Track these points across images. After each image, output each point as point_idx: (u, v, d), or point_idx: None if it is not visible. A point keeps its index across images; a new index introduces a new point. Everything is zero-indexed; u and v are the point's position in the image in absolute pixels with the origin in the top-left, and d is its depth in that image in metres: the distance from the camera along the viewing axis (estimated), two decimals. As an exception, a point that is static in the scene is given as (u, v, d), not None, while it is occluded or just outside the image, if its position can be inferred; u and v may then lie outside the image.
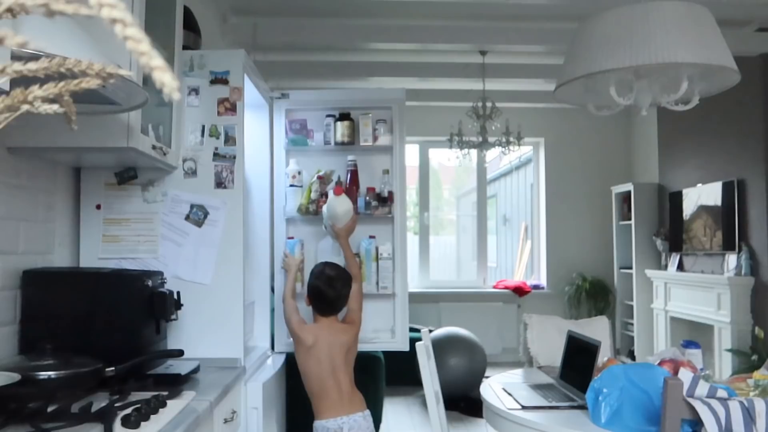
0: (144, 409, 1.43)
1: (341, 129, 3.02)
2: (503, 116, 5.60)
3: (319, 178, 2.97)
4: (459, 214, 10.08)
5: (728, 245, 5.04)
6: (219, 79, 2.30)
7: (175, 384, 1.80)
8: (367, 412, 2.55)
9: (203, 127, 2.29)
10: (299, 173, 3.00)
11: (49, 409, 1.39)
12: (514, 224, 8.77)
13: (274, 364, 2.74)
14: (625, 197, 6.59)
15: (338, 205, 2.71)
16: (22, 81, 0.50)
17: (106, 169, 2.21)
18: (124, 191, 2.23)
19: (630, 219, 6.41)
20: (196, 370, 1.98)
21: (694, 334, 5.31)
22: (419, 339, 2.45)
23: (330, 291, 2.52)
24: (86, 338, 1.81)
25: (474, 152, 5.92)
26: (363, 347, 2.91)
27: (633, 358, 6.14)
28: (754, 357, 4.43)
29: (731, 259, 5.05)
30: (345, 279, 2.58)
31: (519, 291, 6.97)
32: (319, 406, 2.48)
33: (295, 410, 3.00)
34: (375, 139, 3.04)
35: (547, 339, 2.96)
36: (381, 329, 3.01)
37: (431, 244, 7.31)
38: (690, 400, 1.62)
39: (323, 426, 2.45)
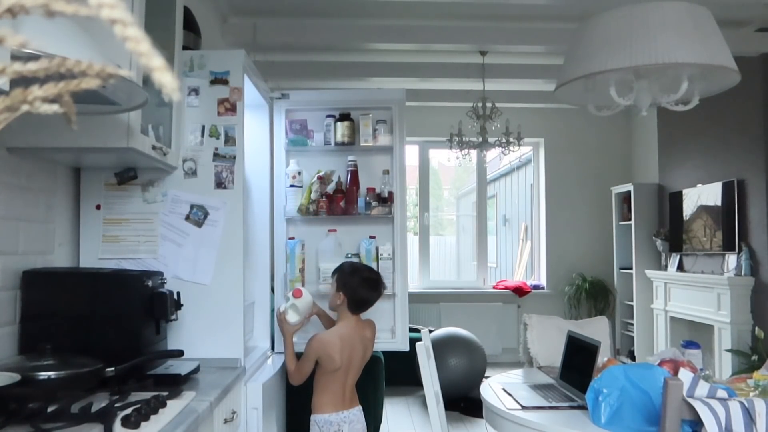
0: (144, 410, 1.43)
1: (341, 129, 3.02)
2: (503, 116, 5.60)
3: (320, 178, 2.97)
4: (459, 215, 10.10)
5: (728, 245, 5.04)
6: (219, 80, 2.30)
7: (175, 384, 1.80)
8: (360, 407, 2.60)
9: (203, 127, 2.28)
10: (299, 173, 3.01)
11: (49, 409, 1.38)
12: (513, 224, 8.77)
13: (274, 364, 2.74)
14: (625, 197, 6.59)
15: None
16: (22, 81, 0.50)
17: (106, 169, 2.21)
18: (124, 191, 2.23)
19: (630, 219, 6.41)
20: (196, 371, 1.98)
21: (694, 335, 5.31)
22: (419, 339, 2.45)
23: (375, 295, 2.57)
24: (86, 338, 1.81)
25: (474, 152, 5.92)
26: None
27: (633, 358, 6.14)
28: (754, 357, 4.43)
29: (731, 259, 5.05)
30: (381, 281, 2.64)
31: (519, 291, 6.97)
32: (322, 400, 2.48)
33: (294, 410, 3.00)
34: (375, 139, 3.04)
35: (547, 339, 2.96)
36: (381, 329, 3.01)
37: (431, 245, 7.31)
38: (690, 400, 1.62)
39: (326, 420, 2.45)
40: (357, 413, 2.53)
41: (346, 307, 2.53)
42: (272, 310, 2.99)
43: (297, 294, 2.54)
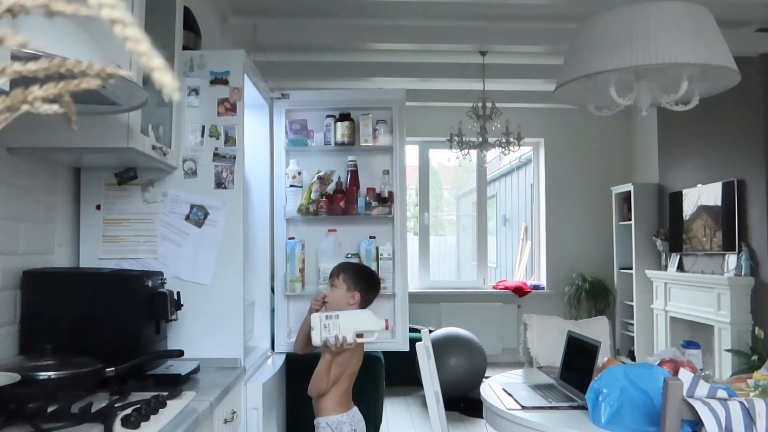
0: (144, 410, 1.42)
1: (341, 129, 3.02)
2: (503, 116, 5.60)
3: (319, 178, 2.97)
4: (459, 215, 10.09)
5: (728, 245, 5.04)
6: (219, 80, 2.30)
7: (175, 384, 1.80)
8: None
9: (203, 127, 2.28)
10: (299, 173, 3.00)
11: (49, 410, 1.38)
12: (514, 224, 8.77)
13: (274, 364, 2.74)
14: (625, 197, 6.59)
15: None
16: (22, 81, 0.50)
17: (106, 169, 2.21)
18: (124, 191, 2.23)
19: (630, 219, 6.41)
20: (196, 371, 1.98)
21: (694, 335, 5.31)
22: (419, 339, 2.45)
23: (377, 294, 2.54)
24: (86, 338, 1.81)
25: (474, 152, 5.92)
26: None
27: (633, 358, 6.14)
28: (754, 357, 4.43)
29: (731, 259, 5.05)
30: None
31: (519, 291, 6.97)
32: (332, 402, 2.40)
33: (295, 410, 3.00)
34: (375, 139, 3.04)
35: (547, 339, 2.96)
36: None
37: (431, 245, 7.31)
38: (690, 400, 1.62)
39: (339, 420, 2.40)
40: (359, 412, 2.52)
41: (357, 307, 2.52)
42: (272, 310, 2.99)
43: (388, 327, 2.36)
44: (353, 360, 2.42)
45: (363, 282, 2.48)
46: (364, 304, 2.49)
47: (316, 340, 2.29)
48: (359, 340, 2.29)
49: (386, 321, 2.33)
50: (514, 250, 8.23)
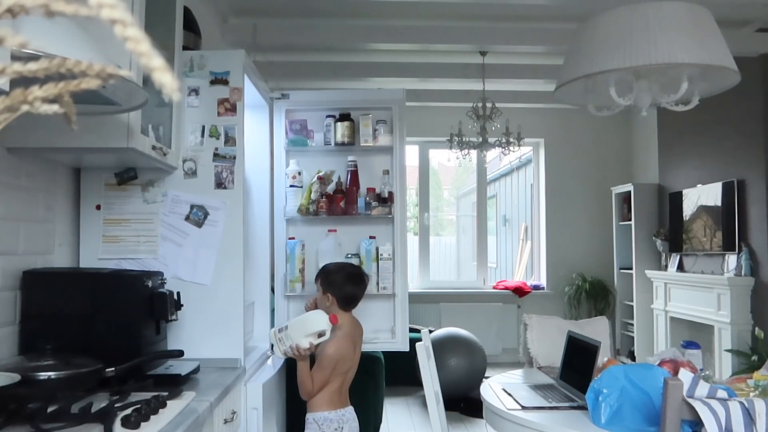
0: (144, 410, 1.42)
1: (341, 129, 3.02)
2: (503, 116, 5.60)
3: (319, 178, 2.97)
4: (459, 215, 10.10)
5: (728, 245, 5.04)
6: (219, 80, 2.30)
7: (175, 384, 1.80)
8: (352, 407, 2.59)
9: (203, 127, 2.28)
10: (299, 174, 3.01)
11: (49, 410, 1.38)
12: (513, 225, 8.78)
13: (274, 364, 2.74)
14: (625, 197, 6.59)
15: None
16: (21, 81, 0.50)
17: (106, 170, 2.21)
18: (124, 191, 2.23)
19: (630, 219, 6.41)
20: (196, 371, 1.98)
21: (694, 335, 5.31)
22: (419, 339, 2.45)
23: (361, 289, 2.53)
24: (86, 338, 1.81)
25: (474, 152, 5.92)
26: (363, 347, 2.92)
27: (633, 358, 6.14)
28: (754, 357, 4.43)
29: (731, 259, 5.05)
30: (363, 274, 2.63)
31: (519, 291, 6.97)
32: (321, 399, 2.42)
33: (295, 410, 3.00)
34: (375, 139, 3.04)
35: (547, 339, 2.96)
36: (381, 329, 3.01)
37: (431, 245, 7.30)
38: (690, 400, 1.62)
39: (326, 417, 2.42)
40: (352, 412, 2.52)
41: (338, 307, 2.52)
42: (272, 311, 2.99)
43: (335, 321, 2.40)
44: (341, 360, 2.42)
45: (334, 285, 2.49)
46: (343, 304, 2.49)
47: (278, 353, 2.43)
48: (315, 342, 2.36)
49: (331, 316, 2.37)
50: (514, 250, 8.23)
